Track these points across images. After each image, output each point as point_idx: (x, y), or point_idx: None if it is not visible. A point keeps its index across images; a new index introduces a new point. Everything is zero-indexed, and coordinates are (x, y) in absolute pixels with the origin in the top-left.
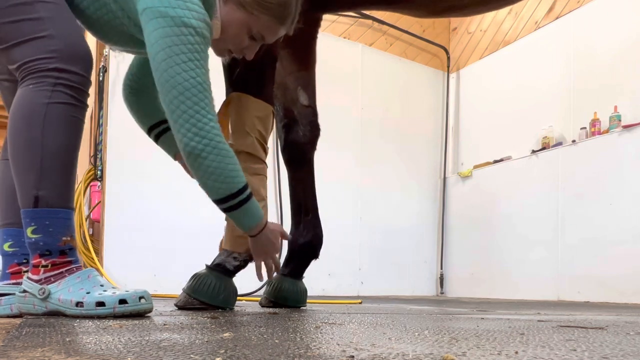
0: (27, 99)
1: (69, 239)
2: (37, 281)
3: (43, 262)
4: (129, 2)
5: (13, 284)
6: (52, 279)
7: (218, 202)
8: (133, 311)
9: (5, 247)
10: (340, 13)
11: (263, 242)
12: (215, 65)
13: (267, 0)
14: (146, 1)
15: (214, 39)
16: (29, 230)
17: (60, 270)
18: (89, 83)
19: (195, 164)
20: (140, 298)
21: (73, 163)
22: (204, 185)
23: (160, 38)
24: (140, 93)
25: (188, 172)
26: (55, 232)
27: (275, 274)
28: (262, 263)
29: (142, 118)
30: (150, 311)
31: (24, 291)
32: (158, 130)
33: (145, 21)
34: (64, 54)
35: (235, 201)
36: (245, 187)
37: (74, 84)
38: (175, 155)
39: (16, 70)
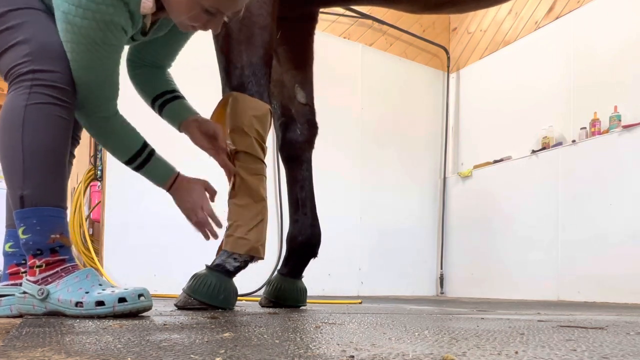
0: (9, 104)
1: (58, 236)
2: (34, 282)
3: (37, 263)
4: None
5: (12, 284)
6: (50, 279)
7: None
8: (133, 309)
9: (7, 247)
10: (340, 13)
11: (181, 198)
12: (213, 64)
13: None
14: None
15: (170, 13)
16: (20, 231)
17: (56, 269)
18: (66, 78)
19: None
20: (139, 296)
21: (58, 161)
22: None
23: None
24: (142, 67)
25: (194, 141)
26: (43, 230)
27: (217, 228)
28: (196, 219)
29: (145, 91)
30: (149, 309)
31: (24, 292)
32: (161, 100)
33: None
34: (36, 55)
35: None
36: (139, 152)
37: (51, 83)
38: (180, 126)
39: (6, 81)
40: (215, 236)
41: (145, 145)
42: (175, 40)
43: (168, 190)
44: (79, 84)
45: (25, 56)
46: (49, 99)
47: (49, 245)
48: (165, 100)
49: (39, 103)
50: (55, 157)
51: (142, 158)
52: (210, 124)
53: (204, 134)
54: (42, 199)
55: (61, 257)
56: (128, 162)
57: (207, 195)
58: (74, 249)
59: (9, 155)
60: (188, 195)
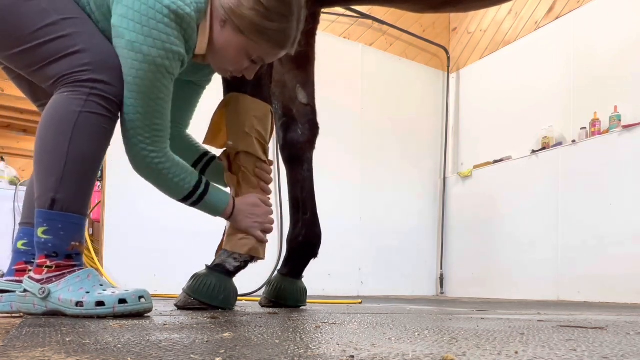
0: (61, 105)
1: (77, 244)
2: (38, 281)
3: (48, 263)
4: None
5: (15, 281)
6: (54, 279)
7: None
8: (133, 311)
9: (19, 244)
10: (340, 13)
11: (244, 215)
12: None
13: (266, 27)
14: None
15: (213, 58)
16: (39, 230)
17: (63, 272)
18: (121, 93)
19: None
20: (140, 297)
21: (94, 172)
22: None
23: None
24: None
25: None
26: (66, 235)
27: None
28: (261, 232)
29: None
30: (150, 311)
31: (25, 290)
32: (201, 165)
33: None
34: (97, 66)
35: (194, 198)
36: (196, 187)
37: (107, 95)
38: (226, 184)
39: (52, 86)
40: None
41: (200, 178)
42: (189, 94)
43: (228, 219)
44: (132, 112)
45: (85, 65)
46: (103, 110)
47: (67, 252)
48: (205, 163)
49: (93, 112)
50: (93, 168)
51: (201, 189)
52: None
53: None
54: (72, 205)
55: (74, 263)
56: (185, 199)
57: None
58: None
59: (49, 156)
60: (248, 210)
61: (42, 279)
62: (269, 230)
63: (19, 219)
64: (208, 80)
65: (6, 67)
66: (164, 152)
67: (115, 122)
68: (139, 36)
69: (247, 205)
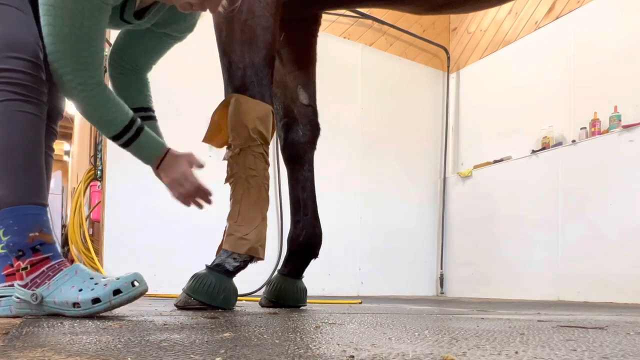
0: None
1: (37, 234)
2: (24, 286)
3: (22, 265)
4: None
5: (9, 285)
6: (38, 281)
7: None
8: (129, 298)
9: None
10: (340, 13)
11: (167, 172)
12: (212, 66)
13: None
14: None
15: None
16: (0, 234)
17: (41, 269)
18: (32, 78)
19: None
20: (132, 283)
21: (30, 157)
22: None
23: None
24: (121, 69)
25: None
26: (21, 229)
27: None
28: (182, 189)
29: (122, 99)
30: (145, 292)
31: (18, 298)
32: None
33: None
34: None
35: (123, 140)
36: (126, 128)
37: (14, 81)
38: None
39: None
40: (206, 203)
41: (133, 120)
42: (158, 46)
43: (157, 168)
44: (55, 51)
45: None
46: (13, 95)
47: (29, 245)
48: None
49: (6, 100)
50: (26, 154)
51: (131, 132)
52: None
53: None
54: (16, 198)
55: (45, 256)
56: (116, 137)
57: (192, 167)
58: (74, 249)
59: None
60: (171, 170)
61: (27, 283)
62: (188, 192)
63: None
64: (187, 29)
65: None
66: (92, 86)
67: (39, 105)
68: None
69: (176, 158)
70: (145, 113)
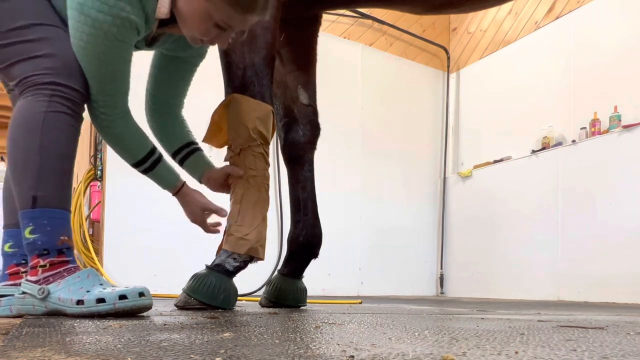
0: (26, 108)
1: (66, 238)
2: (35, 282)
3: (41, 262)
4: None
5: (11, 284)
6: (51, 279)
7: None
8: (133, 307)
9: (6, 247)
10: (340, 13)
11: (184, 206)
12: (212, 66)
13: None
14: None
15: (182, 26)
16: (26, 231)
17: (58, 269)
18: (84, 98)
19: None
20: (140, 294)
21: (70, 168)
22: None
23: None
24: (159, 111)
25: (214, 189)
26: (53, 231)
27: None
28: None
29: (166, 141)
30: (150, 307)
31: (23, 293)
32: (181, 155)
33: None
34: (60, 71)
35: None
36: (144, 159)
37: (69, 97)
38: (201, 178)
39: (15, 86)
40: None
41: (152, 151)
42: (182, 71)
43: (174, 195)
44: (87, 77)
45: (47, 69)
46: (67, 109)
47: (57, 247)
48: (185, 154)
49: (58, 112)
50: (68, 164)
51: (148, 163)
52: (218, 172)
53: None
54: (53, 201)
55: (66, 259)
56: (135, 166)
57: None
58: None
59: (23, 156)
60: (188, 210)
61: (39, 280)
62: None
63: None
64: (199, 56)
65: None
66: (115, 117)
67: (81, 122)
68: None
69: (192, 199)
70: (189, 148)
